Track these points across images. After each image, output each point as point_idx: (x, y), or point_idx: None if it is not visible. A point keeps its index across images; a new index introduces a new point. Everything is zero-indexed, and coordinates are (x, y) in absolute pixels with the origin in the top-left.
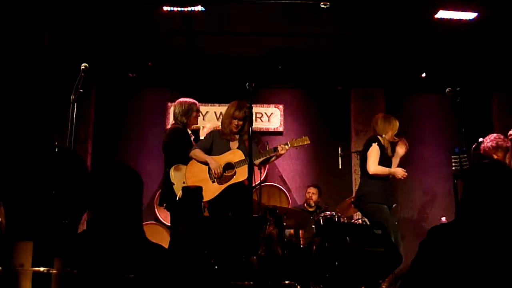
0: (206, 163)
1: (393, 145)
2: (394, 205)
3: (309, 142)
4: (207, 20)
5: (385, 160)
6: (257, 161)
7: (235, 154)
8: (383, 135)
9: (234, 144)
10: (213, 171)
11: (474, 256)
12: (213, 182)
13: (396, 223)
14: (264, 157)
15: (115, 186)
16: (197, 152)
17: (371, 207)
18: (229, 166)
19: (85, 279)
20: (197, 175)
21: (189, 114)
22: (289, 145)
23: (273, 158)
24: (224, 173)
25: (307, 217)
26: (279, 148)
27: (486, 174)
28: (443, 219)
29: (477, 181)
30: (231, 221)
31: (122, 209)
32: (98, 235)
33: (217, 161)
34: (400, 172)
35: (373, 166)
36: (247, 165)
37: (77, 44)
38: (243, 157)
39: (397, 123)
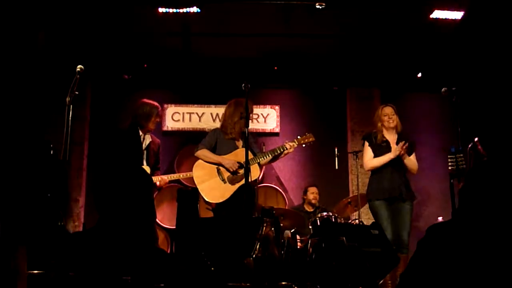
0: (217, 163)
1: (401, 136)
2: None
3: (313, 138)
4: (203, 21)
5: (383, 152)
6: (264, 161)
7: (243, 153)
8: (378, 127)
9: (240, 143)
10: (229, 168)
11: (473, 254)
12: (225, 183)
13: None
14: (272, 156)
15: (126, 187)
16: (206, 153)
17: (369, 205)
18: (239, 165)
19: (82, 281)
20: (207, 179)
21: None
22: (296, 143)
23: (281, 156)
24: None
25: (304, 218)
26: (288, 146)
27: (487, 174)
28: (440, 218)
29: (478, 180)
30: (237, 223)
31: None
32: (100, 236)
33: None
34: (395, 151)
35: (365, 162)
36: (257, 163)
37: (73, 45)
38: (252, 155)
39: (382, 108)
